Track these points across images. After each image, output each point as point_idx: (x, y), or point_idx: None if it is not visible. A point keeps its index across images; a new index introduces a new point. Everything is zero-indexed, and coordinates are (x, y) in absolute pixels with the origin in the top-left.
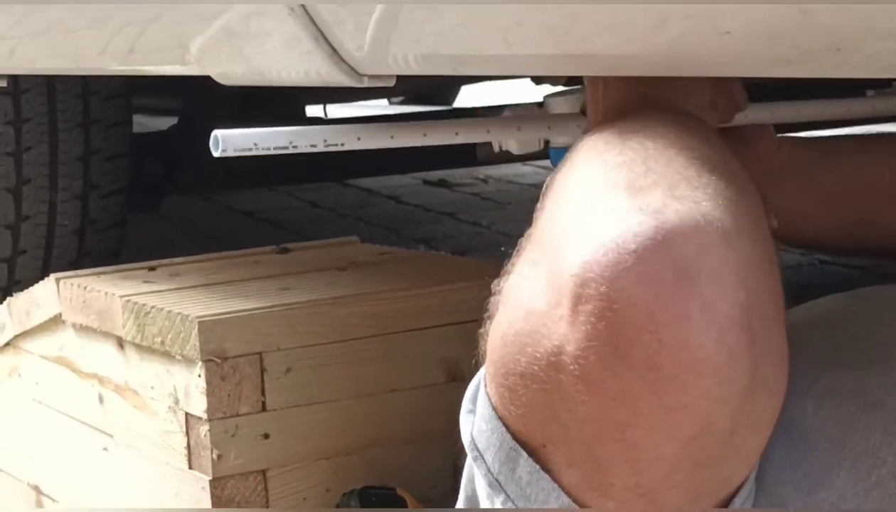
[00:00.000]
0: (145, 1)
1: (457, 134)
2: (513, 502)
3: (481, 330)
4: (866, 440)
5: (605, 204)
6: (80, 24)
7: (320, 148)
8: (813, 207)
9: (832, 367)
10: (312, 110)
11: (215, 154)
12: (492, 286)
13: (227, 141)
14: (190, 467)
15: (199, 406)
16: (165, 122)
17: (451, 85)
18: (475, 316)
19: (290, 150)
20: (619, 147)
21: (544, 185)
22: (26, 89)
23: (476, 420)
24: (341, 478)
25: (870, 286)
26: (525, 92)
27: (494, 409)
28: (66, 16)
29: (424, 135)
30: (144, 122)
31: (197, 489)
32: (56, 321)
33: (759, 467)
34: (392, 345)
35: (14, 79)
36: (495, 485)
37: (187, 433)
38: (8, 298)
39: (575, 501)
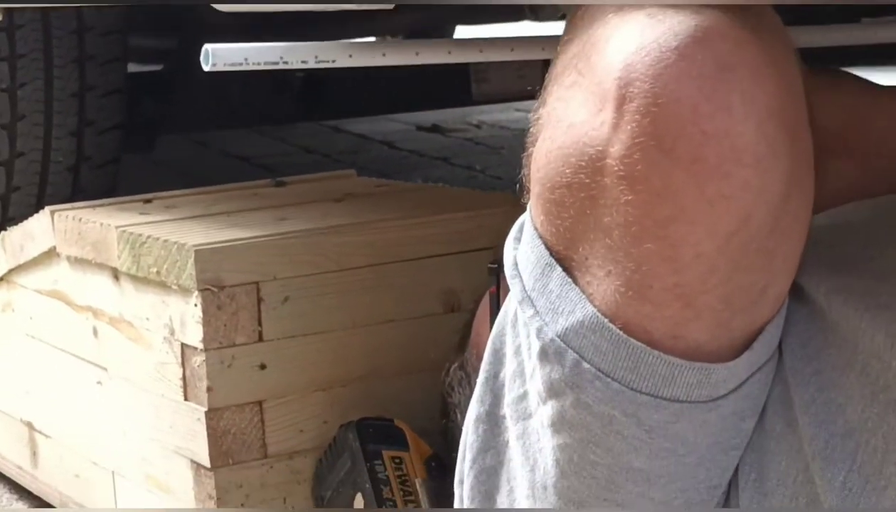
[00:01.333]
0: None
1: (449, 52)
2: (540, 317)
3: (525, 153)
4: (871, 341)
5: (642, 14)
6: None
7: (311, 64)
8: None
9: (845, 268)
10: None
11: (206, 68)
12: (530, 115)
13: (218, 55)
14: (185, 399)
15: (195, 336)
16: (158, 65)
17: (446, 24)
18: (473, 246)
19: (281, 66)
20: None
21: (562, 35)
22: (21, 25)
23: (521, 245)
24: (338, 409)
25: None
26: (522, 33)
27: (536, 230)
28: None
29: (417, 53)
30: (138, 64)
31: (192, 421)
32: (50, 254)
33: (778, 349)
34: (389, 274)
35: (9, 14)
36: (526, 301)
37: (183, 364)
38: (1, 233)
39: (609, 312)
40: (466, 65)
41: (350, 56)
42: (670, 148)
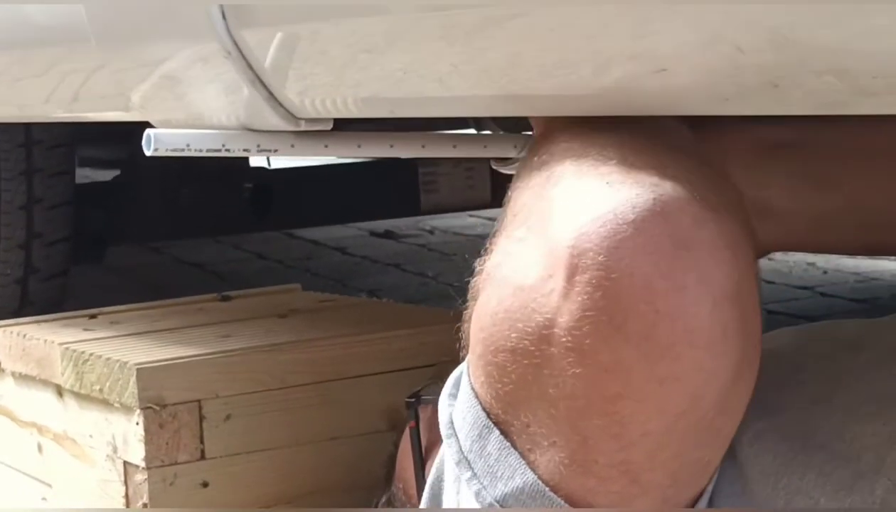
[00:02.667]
0: (87, 49)
1: (391, 146)
2: (478, 480)
3: (465, 312)
4: (801, 479)
5: (600, 178)
6: (27, 73)
7: (253, 152)
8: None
9: (776, 404)
10: (256, 160)
11: (147, 153)
12: (475, 265)
13: (160, 140)
14: None
15: (137, 454)
16: (109, 174)
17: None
18: (416, 363)
19: (223, 153)
20: (598, 137)
21: (514, 179)
22: None
23: (457, 403)
24: None
25: (822, 321)
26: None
27: (474, 389)
28: (13, 64)
29: (359, 146)
30: (89, 173)
31: None
32: None
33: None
34: (332, 392)
35: None
36: (463, 462)
37: (126, 482)
38: None
39: (551, 482)
40: (416, 175)
41: (292, 146)
42: (621, 324)
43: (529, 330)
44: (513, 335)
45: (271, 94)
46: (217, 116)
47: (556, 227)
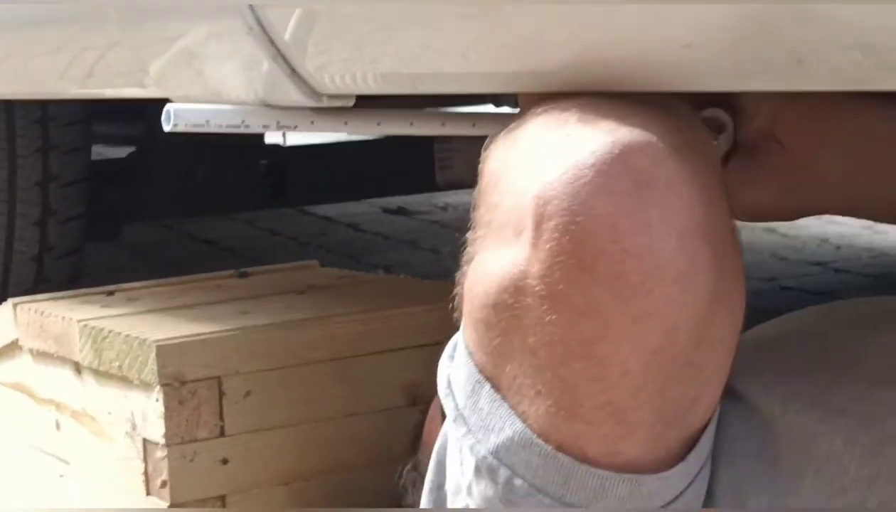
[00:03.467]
0: (104, 26)
1: (411, 124)
2: (472, 435)
3: (458, 273)
4: (829, 445)
5: (560, 132)
6: (40, 50)
7: (273, 128)
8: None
9: (800, 373)
10: (271, 137)
11: (166, 128)
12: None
13: (179, 116)
14: (147, 494)
15: (156, 431)
16: (124, 151)
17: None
18: (436, 339)
19: (242, 129)
20: (560, 102)
21: (483, 152)
22: None
23: (453, 363)
24: (300, 503)
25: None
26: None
27: (467, 347)
28: (26, 41)
29: (378, 124)
30: (103, 150)
31: None
32: (13, 347)
33: (733, 464)
34: (351, 368)
35: None
36: (459, 419)
37: (145, 459)
38: None
39: (541, 431)
40: (431, 150)
41: (312, 122)
42: (590, 265)
43: (506, 284)
44: (492, 291)
45: (294, 70)
46: (236, 92)
47: (522, 182)
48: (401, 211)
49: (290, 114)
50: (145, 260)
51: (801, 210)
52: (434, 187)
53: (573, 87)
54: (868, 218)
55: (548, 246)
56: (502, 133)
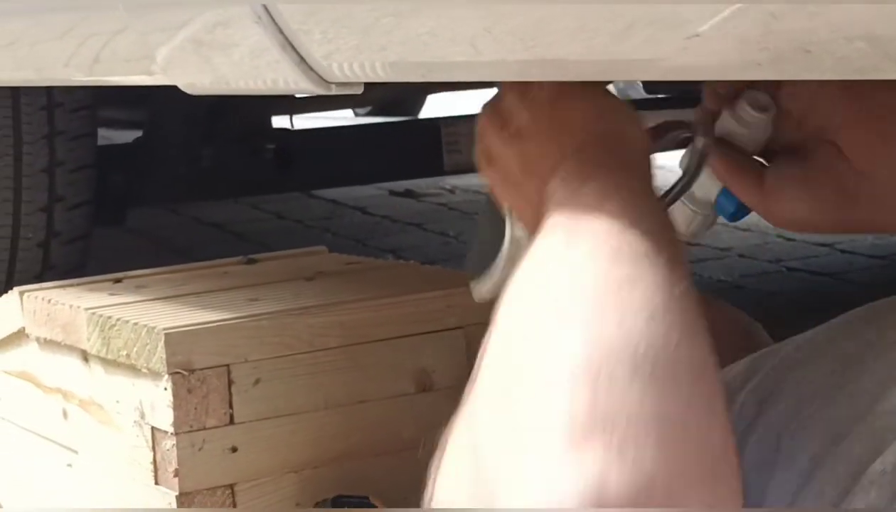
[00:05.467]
0: (110, 12)
1: None
2: None
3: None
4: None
5: (541, 450)
6: (45, 36)
7: None
8: None
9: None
10: (278, 121)
11: None
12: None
13: None
14: (156, 483)
15: (165, 420)
16: (130, 136)
17: (416, 96)
18: (445, 325)
19: None
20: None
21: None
22: None
23: None
24: (310, 491)
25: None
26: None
27: None
28: (31, 27)
29: None
30: (109, 135)
31: (164, 505)
32: (20, 335)
33: None
34: (361, 355)
35: None
36: None
37: (153, 448)
38: None
39: None
40: (438, 135)
41: None
42: None
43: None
44: None
45: (302, 58)
46: (244, 80)
47: (496, 501)
48: (408, 194)
49: None
50: (150, 244)
51: (847, 224)
52: (441, 171)
53: (582, 77)
54: None
55: None
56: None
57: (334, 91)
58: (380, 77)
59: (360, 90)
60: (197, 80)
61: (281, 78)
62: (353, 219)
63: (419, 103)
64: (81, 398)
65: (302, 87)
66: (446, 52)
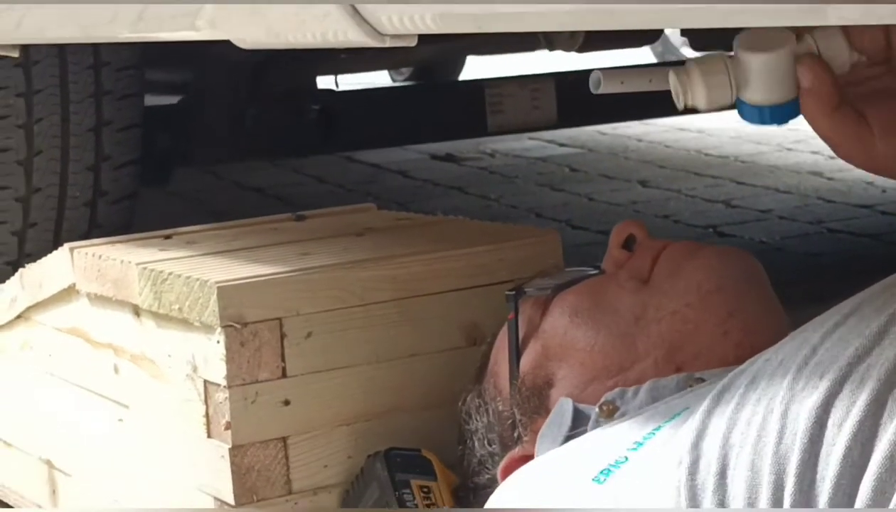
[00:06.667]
0: None
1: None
2: None
3: None
4: None
5: None
6: None
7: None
8: None
9: None
10: (323, 81)
11: (594, 91)
12: None
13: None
14: (209, 436)
15: (217, 373)
16: (175, 97)
17: (456, 57)
18: (495, 279)
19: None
20: None
21: None
22: (37, 61)
23: None
24: (362, 444)
25: None
26: (532, 63)
27: None
28: None
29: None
30: (154, 96)
31: (216, 458)
32: (70, 292)
33: None
34: (412, 309)
35: (25, 50)
36: None
37: (206, 401)
38: (20, 270)
39: None
40: (482, 96)
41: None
42: None
43: None
44: None
45: (355, 9)
46: (298, 33)
47: None
48: (449, 158)
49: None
50: (192, 207)
51: None
52: (485, 132)
53: (633, 25)
54: None
55: None
56: None
57: (388, 43)
58: (430, 28)
59: (414, 42)
60: (248, 33)
61: (332, 30)
62: (394, 182)
63: (459, 65)
64: (132, 353)
65: (356, 39)
66: (496, 1)
